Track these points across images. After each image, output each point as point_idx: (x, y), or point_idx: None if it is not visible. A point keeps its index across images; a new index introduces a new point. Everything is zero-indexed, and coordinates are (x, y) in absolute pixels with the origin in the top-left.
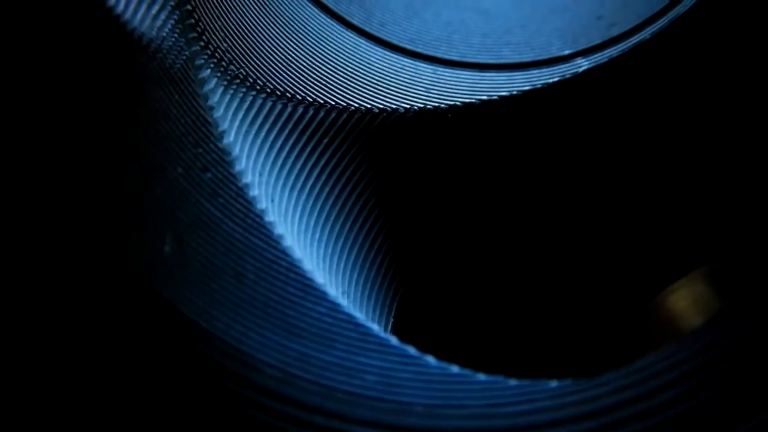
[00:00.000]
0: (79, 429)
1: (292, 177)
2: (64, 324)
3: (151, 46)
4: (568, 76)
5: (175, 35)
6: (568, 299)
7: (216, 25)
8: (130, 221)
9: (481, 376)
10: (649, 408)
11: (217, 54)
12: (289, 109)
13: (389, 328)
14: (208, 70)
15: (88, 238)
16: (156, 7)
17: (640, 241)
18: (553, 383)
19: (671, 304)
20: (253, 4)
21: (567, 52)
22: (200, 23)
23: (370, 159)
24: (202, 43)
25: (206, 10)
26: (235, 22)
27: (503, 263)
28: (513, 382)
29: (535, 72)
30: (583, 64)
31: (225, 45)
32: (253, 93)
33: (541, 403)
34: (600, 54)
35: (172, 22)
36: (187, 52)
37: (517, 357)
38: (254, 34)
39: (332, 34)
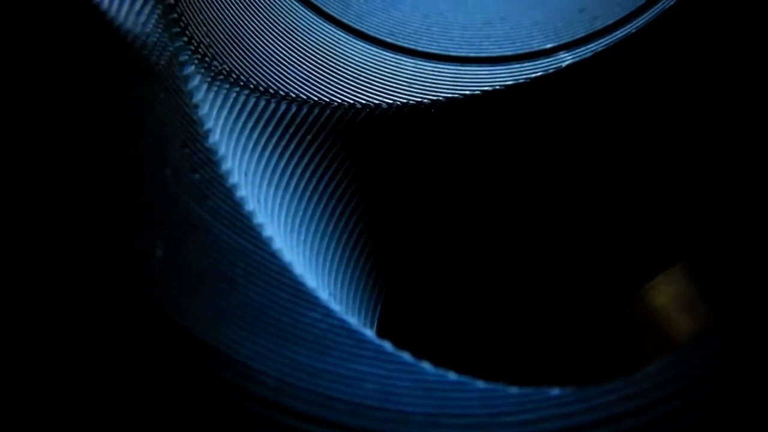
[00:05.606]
0: None
1: (277, 176)
2: (56, 331)
3: (137, 43)
4: (551, 70)
5: (159, 31)
6: (546, 296)
7: (198, 20)
8: (122, 225)
9: (480, 384)
10: (653, 418)
11: (200, 50)
12: (273, 105)
13: (373, 329)
14: (192, 67)
15: (80, 243)
16: (139, 2)
17: (620, 237)
18: (555, 391)
19: (651, 299)
20: None
21: (549, 45)
22: (183, 18)
23: (354, 155)
24: (185, 39)
25: (188, 4)
26: (216, 17)
27: (486, 262)
28: (514, 389)
29: (517, 66)
30: (566, 58)
31: (208, 40)
32: (237, 89)
33: (544, 411)
34: (584, 48)
35: (156, 17)
36: (171, 48)
37: (489, 358)
38: (235, 29)
39: (314, 28)
